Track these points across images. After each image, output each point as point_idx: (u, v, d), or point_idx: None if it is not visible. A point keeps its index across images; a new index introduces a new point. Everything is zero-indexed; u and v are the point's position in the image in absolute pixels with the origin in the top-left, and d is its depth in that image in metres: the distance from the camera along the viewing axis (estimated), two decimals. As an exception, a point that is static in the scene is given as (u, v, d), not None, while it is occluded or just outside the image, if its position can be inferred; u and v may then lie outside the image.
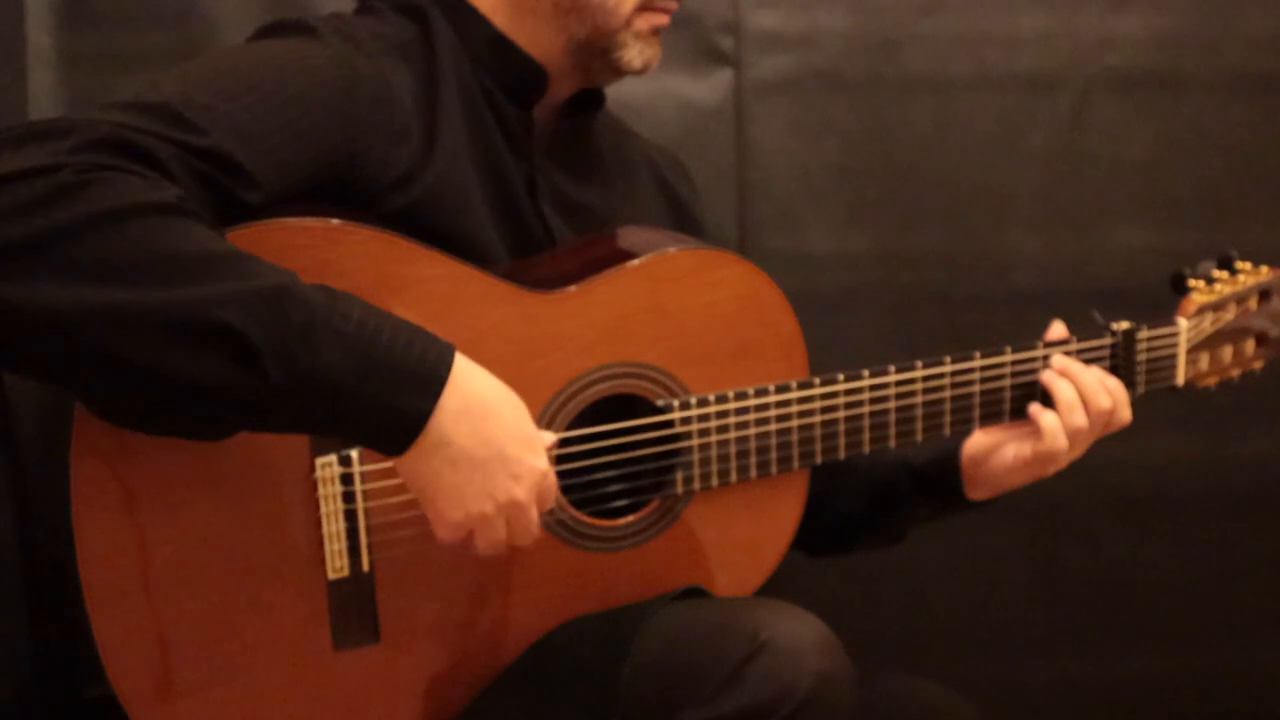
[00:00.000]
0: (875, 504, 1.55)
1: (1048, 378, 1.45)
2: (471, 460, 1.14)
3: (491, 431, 1.15)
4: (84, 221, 1.02)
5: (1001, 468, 1.47)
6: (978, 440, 1.48)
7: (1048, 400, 1.45)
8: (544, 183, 1.41)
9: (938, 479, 1.50)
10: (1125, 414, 1.47)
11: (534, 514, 1.20)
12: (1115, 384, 1.47)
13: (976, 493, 1.50)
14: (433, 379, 1.11)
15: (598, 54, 1.38)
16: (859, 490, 1.53)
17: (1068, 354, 1.47)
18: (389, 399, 1.09)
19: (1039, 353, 1.46)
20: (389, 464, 1.20)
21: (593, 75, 1.42)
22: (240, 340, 1.04)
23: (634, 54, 1.38)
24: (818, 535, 1.51)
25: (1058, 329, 1.51)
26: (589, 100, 1.47)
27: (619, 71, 1.40)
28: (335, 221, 1.19)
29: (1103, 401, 1.44)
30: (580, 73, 1.41)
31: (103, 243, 1.02)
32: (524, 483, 1.17)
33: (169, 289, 1.03)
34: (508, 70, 1.36)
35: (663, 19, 1.39)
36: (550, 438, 1.22)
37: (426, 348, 1.12)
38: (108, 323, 1.02)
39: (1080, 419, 1.44)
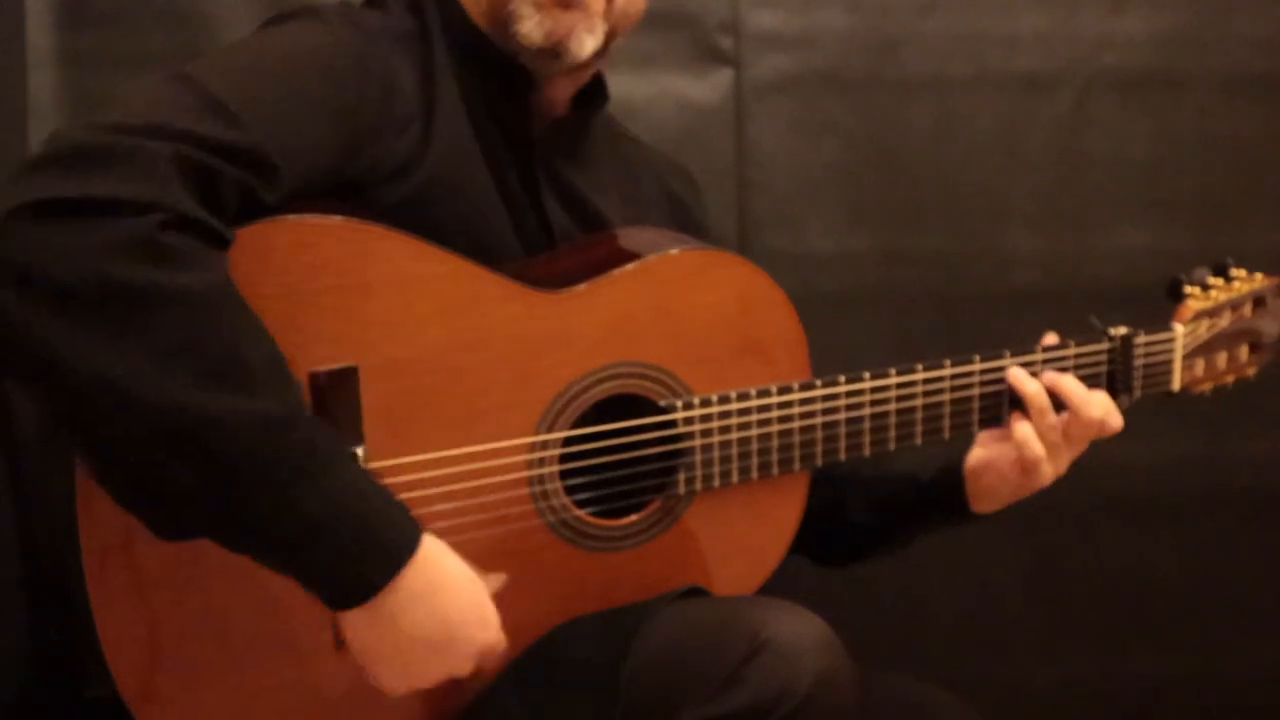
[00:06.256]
0: (884, 514, 1.53)
1: (1019, 383, 1.43)
2: (425, 641, 1.13)
3: (447, 612, 1.13)
4: (137, 291, 1.01)
5: (998, 478, 1.46)
6: (978, 453, 1.47)
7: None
8: (544, 175, 1.40)
9: (943, 493, 1.49)
10: (1115, 422, 1.45)
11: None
12: (1101, 395, 1.45)
13: (980, 505, 1.49)
14: (395, 560, 1.10)
15: (505, 33, 1.32)
16: (868, 500, 1.52)
17: (1065, 358, 1.47)
18: (347, 561, 1.08)
19: (1038, 356, 1.46)
20: (394, 462, 1.20)
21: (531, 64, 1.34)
22: (219, 462, 1.03)
23: (531, 26, 1.30)
24: (828, 544, 1.50)
25: (1050, 341, 1.49)
26: (593, 95, 1.46)
27: (524, 49, 1.31)
28: (339, 218, 1.19)
29: (1093, 411, 1.43)
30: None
31: (144, 316, 1.02)
32: (472, 660, 1.17)
33: (175, 386, 1.02)
34: (487, 63, 1.35)
35: None
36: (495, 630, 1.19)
37: (401, 528, 1.11)
38: (109, 396, 1.01)
39: (1051, 422, 1.42)
